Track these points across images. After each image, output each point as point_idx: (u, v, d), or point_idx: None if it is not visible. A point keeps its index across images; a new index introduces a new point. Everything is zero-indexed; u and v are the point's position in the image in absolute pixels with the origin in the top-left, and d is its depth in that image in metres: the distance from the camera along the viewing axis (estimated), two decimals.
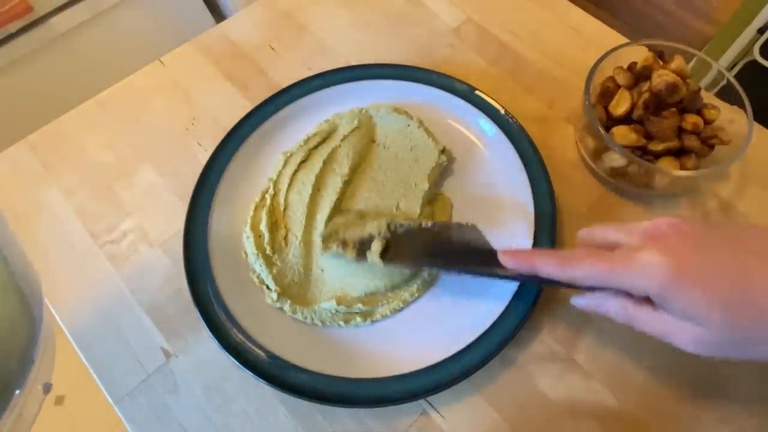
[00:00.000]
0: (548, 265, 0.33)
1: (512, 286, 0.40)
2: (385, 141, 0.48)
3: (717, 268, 0.29)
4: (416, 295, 0.41)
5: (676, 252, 0.29)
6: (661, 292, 0.29)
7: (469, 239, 0.38)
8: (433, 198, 0.46)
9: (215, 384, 0.40)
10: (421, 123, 0.48)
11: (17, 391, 0.25)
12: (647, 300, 0.31)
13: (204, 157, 0.47)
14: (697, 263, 0.29)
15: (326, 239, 0.42)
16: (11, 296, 0.27)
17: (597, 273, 0.31)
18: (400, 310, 0.41)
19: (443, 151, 0.47)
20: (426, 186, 0.44)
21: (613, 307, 0.32)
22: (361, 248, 0.40)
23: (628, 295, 0.31)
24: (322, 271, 0.42)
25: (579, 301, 0.35)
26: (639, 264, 0.29)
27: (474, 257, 0.38)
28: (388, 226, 0.41)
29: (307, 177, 0.45)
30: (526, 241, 0.42)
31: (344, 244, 0.41)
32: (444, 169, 0.47)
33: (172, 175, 0.49)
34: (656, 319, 0.30)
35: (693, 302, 0.28)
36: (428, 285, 0.42)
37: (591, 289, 0.33)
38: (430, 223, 0.40)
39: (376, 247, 0.39)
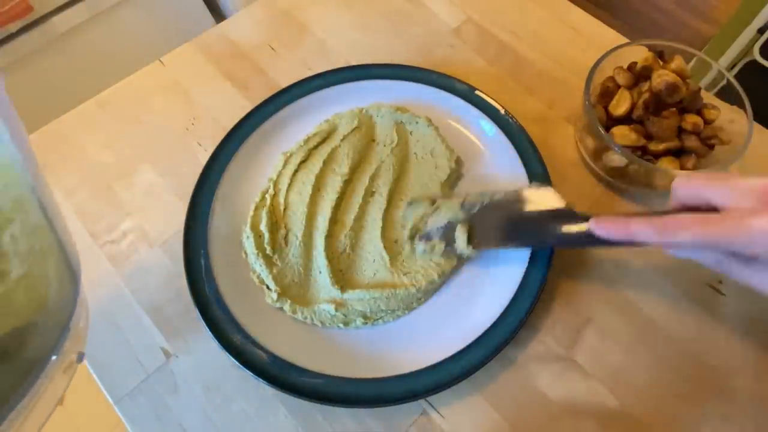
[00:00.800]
0: (647, 233, 0.32)
1: (512, 286, 0.40)
2: (385, 140, 0.48)
3: None
4: (416, 305, 0.41)
5: None
6: None
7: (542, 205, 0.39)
8: None
9: (215, 384, 0.40)
10: (431, 122, 0.48)
11: (53, 357, 0.25)
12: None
13: (204, 157, 0.47)
14: None
15: (411, 238, 0.42)
16: (56, 260, 0.26)
17: (704, 238, 0.30)
18: (402, 315, 0.41)
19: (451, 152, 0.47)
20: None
21: (708, 258, 0.32)
22: (447, 238, 0.41)
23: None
24: (320, 272, 0.42)
25: (674, 250, 0.34)
26: (755, 231, 0.28)
27: (554, 225, 0.38)
28: (462, 206, 0.41)
29: (307, 177, 0.45)
30: None
31: (428, 238, 0.41)
32: None
33: (172, 175, 0.49)
34: (757, 272, 0.30)
35: None
36: (430, 295, 0.42)
37: None
38: (501, 193, 0.40)
39: (462, 235, 0.40)
